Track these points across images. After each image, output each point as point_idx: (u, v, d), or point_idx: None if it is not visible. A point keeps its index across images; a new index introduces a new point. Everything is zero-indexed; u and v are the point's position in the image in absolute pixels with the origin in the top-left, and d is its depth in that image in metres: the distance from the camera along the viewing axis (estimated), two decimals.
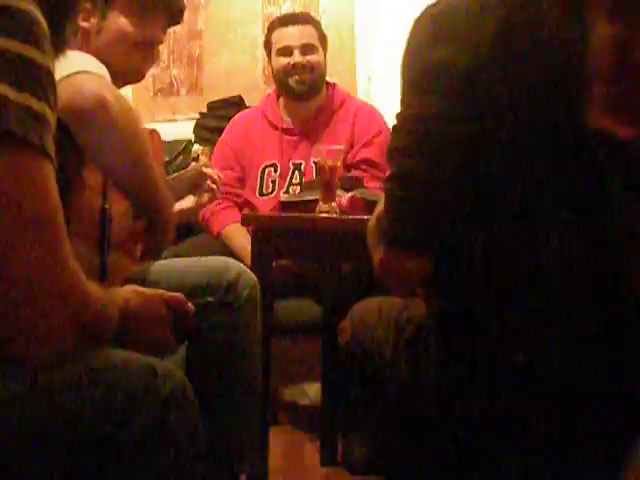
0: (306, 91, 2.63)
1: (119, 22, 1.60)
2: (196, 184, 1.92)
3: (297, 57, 2.61)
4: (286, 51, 2.63)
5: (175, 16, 1.71)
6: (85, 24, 1.53)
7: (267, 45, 2.73)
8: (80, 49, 1.41)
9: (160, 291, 1.09)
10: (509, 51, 1.08)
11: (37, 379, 0.81)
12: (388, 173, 1.16)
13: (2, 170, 0.77)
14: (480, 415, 1.20)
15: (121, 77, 1.54)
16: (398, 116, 1.17)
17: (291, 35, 2.64)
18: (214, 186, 1.94)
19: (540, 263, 1.12)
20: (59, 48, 0.95)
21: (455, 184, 1.12)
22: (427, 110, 1.12)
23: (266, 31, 2.79)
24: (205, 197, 1.95)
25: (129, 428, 0.81)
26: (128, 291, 1.02)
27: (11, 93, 0.77)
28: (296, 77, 2.60)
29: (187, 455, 0.87)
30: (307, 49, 2.63)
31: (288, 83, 2.62)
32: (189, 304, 1.13)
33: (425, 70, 1.14)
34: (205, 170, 1.90)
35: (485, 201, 1.13)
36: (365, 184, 2.44)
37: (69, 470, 0.81)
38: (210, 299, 1.52)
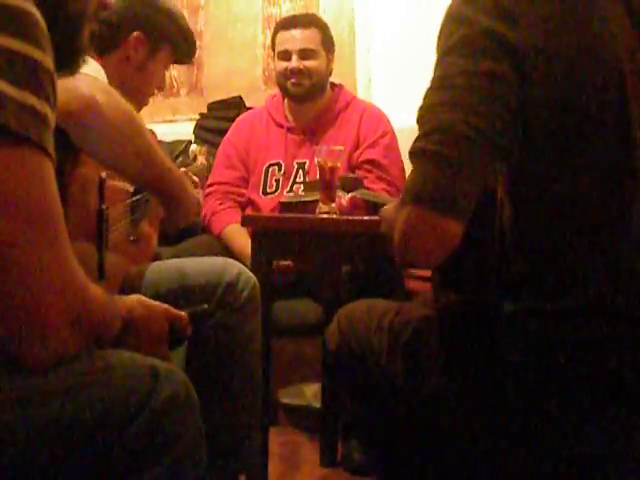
0: (303, 95, 2.64)
1: (161, 69, 1.72)
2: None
3: (294, 62, 2.61)
4: (285, 55, 2.64)
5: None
6: (132, 53, 1.60)
7: (272, 47, 2.75)
8: (110, 71, 1.47)
9: (165, 306, 1.08)
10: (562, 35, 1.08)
11: (37, 381, 0.81)
12: (421, 130, 1.08)
13: (1, 168, 0.77)
14: (482, 417, 1.19)
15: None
16: (434, 78, 1.11)
17: (291, 39, 2.65)
18: (200, 198, 1.92)
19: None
20: (75, 59, 0.96)
21: (497, 142, 1.05)
22: (473, 66, 1.06)
23: (272, 32, 2.80)
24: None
25: (131, 429, 0.81)
26: (133, 300, 1.02)
27: (11, 91, 0.77)
28: (292, 80, 2.61)
29: (189, 456, 0.87)
30: (306, 54, 2.63)
31: (286, 86, 2.64)
32: (186, 320, 1.12)
33: (475, 34, 1.08)
34: (192, 177, 1.89)
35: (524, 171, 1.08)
36: (369, 185, 2.45)
37: (71, 472, 0.81)
38: (210, 300, 1.52)
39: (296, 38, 2.65)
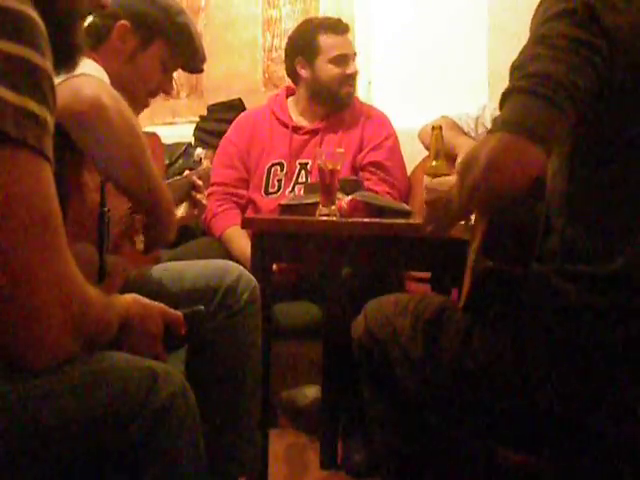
0: (351, 100, 2.67)
1: (154, 65, 1.66)
2: (188, 193, 1.90)
3: (353, 67, 2.63)
4: (343, 60, 2.61)
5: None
6: (119, 43, 1.57)
7: (308, 48, 2.64)
8: (103, 64, 1.44)
9: (161, 305, 1.08)
10: None
11: (36, 383, 0.81)
12: (521, 73, 1.14)
13: (0, 173, 0.77)
14: (498, 395, 1.20)
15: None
16: (534, 38, 1.17)
17: (345, 43, 2.65)
18: (203, 202, 1.91)
19: None
20: (71, 56, 0.95)
21: (582, 98, 1.11)
22: (573, 33, 1.13)
23: (300, 33, 2.70)
24: (196, 211, 1.93)
25: (130, 430, 0.81)
26: (129, 299, 1.02)
27: (9, 95, 0.77)
28: (348, 87, 2.63)
29: (187, 457, 0.87)
30: (355, 59, 2.67)
31: (338, 92, 2.62)
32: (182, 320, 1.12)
33: (575, 8, 1.14)
34: (196, 181, 1.88)
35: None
36: (373, 187, 2.46)
37: (69, 473, 0.81)
38: (210, 302, 1.52)
39: (348, 42, 2.67)
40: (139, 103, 1.68)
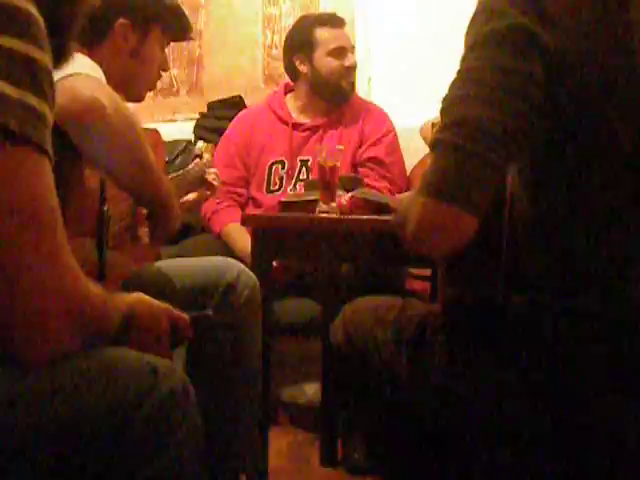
0: (351, 92, 2.67)
1: (154, 51, 1.68)
2: (199, 183, 1.92)
3: (352, 59, 2.64)
4: (341, 52, 2.62)
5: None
6: (121, 41, 1.57)
7: (306, 43, 2.65)
8: (104, 63, 1.45)
9: (167, 305, 1.08)
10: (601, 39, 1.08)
11: (37, 379, 0.81)
12: (443, 122, 1.08)
13: (1, 168, 0.77)
14: (483, 416, 1.19)
15: (126, 96, 1.56)
16: (461, 69, 1.10)
17: (343, 36, 2.66)
18: (215, 183, 1.94)
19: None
20: (64, 52, 0.95)
21: (514, 139, 1.05)
22: (502, 62, 1.06)
23: (297, 29, 2.72)
24: (209, 192, 1.95)
25: (129, 426, 0.81)
26: (134, 298, 1.02)
27: (9, 90, 0.77)
28: (349, 78, 2.63)
29: (187, 454, 0.87)
30: (353, 52, 2.68)
31: (340, 84, 2.63)
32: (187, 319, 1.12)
33: (507, 28, 1.07)
34: (207, 175, 1.90)
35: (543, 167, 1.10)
36: (372, 183, 2.46)
37: (70, 470, 0.81)
38: (210, 299, 1.52)
39: (346, 35, 2.68)
40: (148, 89, 1.71)
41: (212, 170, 1.90)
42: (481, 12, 1.12)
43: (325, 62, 2.62)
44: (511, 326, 1.13)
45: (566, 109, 1.07)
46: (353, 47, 2.69)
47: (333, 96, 2.65)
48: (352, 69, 2.65)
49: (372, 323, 1.34)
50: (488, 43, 1.08)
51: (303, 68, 2.66)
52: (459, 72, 1.10)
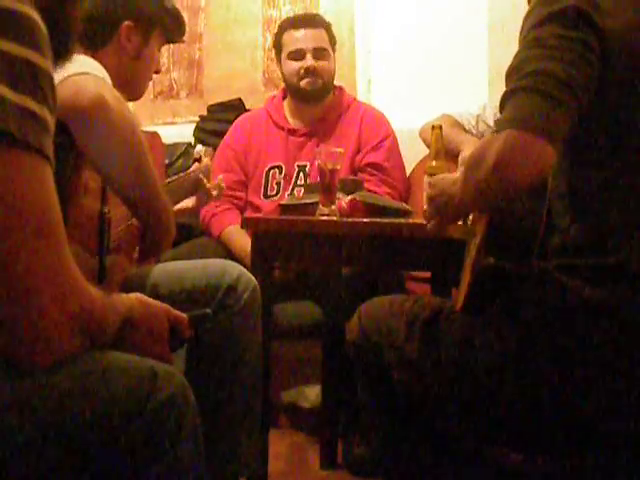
0: (317, 94, 2.63)
1: (154, 53, 1.71)
2: (195, 190, 1.92)
3: (309, 61, 2.60)
4: (298, 54, 2.61)
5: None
6: (126, 43, 1.59)
7: (277, 46, 2.70)
8: (108, 64, 1.46)
9: (166, 305, 1.08)
10: None
11: (37, 383, 0.81)
12: (521, 73, 1.15)
13: (1, 172, 0.77)
14: (501, 389, 1.20)
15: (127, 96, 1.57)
16: (525, 42, 1.18)
17: (303, 38, 2.63)
18: (214, 192, 1.95)
19: None
20: (65, 52, 0.95)
21: (584, 94, 1.13)
22: (565, 32, 1.15)
23: (276, 31, 2.76)
24: (205, 198, 1.96)
25: (129, 430, 0.81)
26: (133, 299, 1.02)
27: (10, 94, 0.77)
28: (307, 80, 2.60)
29: (187, 458, 0.87)
30: (319, 54, 2.62)
31: (299, 85, 2.61)
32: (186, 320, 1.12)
33: (565, 9, 1.16)
34: (203, 180, 1.90)
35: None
36: (372, 188, 2.45)
37: (69, 473, 0.81)
38: (210, 302, 1.52)
39: (308, 37, 2.63)
40: (143, 90, 1.74)
41: (219, 177, 1.91)
42: (538, 4, 1.20)
43: (287, 65, 2.64)
44: (537, 289, 1.19)
45: (610, 86, 1.15)
46: (320, 48, 2.62)
47: (300, 99, 2.65)
48: (311, 70, 2.60)
49: (386, 315, 1.38)
50: (549, 21, 1.16)
51: (280, 72, 2.70)
52: (522, 44, 1.18)
